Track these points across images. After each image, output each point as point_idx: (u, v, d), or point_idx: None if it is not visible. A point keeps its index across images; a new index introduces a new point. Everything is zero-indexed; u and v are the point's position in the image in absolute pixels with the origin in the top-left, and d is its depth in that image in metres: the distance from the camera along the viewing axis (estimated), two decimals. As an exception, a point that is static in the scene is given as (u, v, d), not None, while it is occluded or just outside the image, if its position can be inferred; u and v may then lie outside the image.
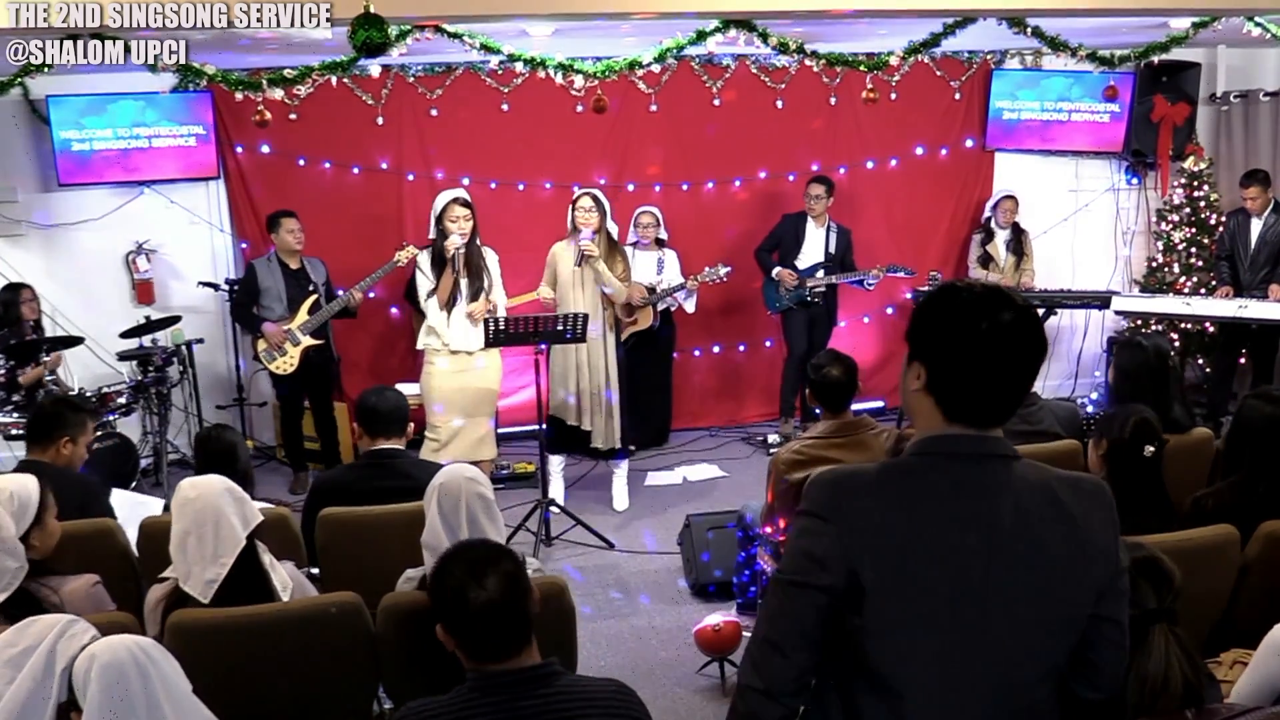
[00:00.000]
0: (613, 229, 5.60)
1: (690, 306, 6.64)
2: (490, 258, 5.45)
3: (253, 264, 6.23)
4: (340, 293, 6.12)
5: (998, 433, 1.61)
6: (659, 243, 6.63)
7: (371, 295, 6.11)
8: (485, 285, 5.34)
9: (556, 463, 5.83)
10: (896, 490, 1.58)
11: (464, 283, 5.30)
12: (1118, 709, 1.79)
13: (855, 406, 3.78)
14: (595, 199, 5.47)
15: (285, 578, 2.71)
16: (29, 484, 2.71)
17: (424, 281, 5.36)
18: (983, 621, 1.55)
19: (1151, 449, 2.92)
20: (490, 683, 1.97)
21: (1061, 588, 1.57)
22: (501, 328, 5.18)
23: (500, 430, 6.72)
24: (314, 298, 6.12)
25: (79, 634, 1.89)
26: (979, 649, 1.55)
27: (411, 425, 3.73)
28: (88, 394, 5.81)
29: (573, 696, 1.96)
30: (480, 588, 1.97)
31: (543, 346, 5.34)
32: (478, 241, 5.38)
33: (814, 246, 6.76)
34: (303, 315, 6.08)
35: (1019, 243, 7.20)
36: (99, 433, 5.63)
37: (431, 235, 5.35)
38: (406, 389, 5.46)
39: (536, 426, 5.43)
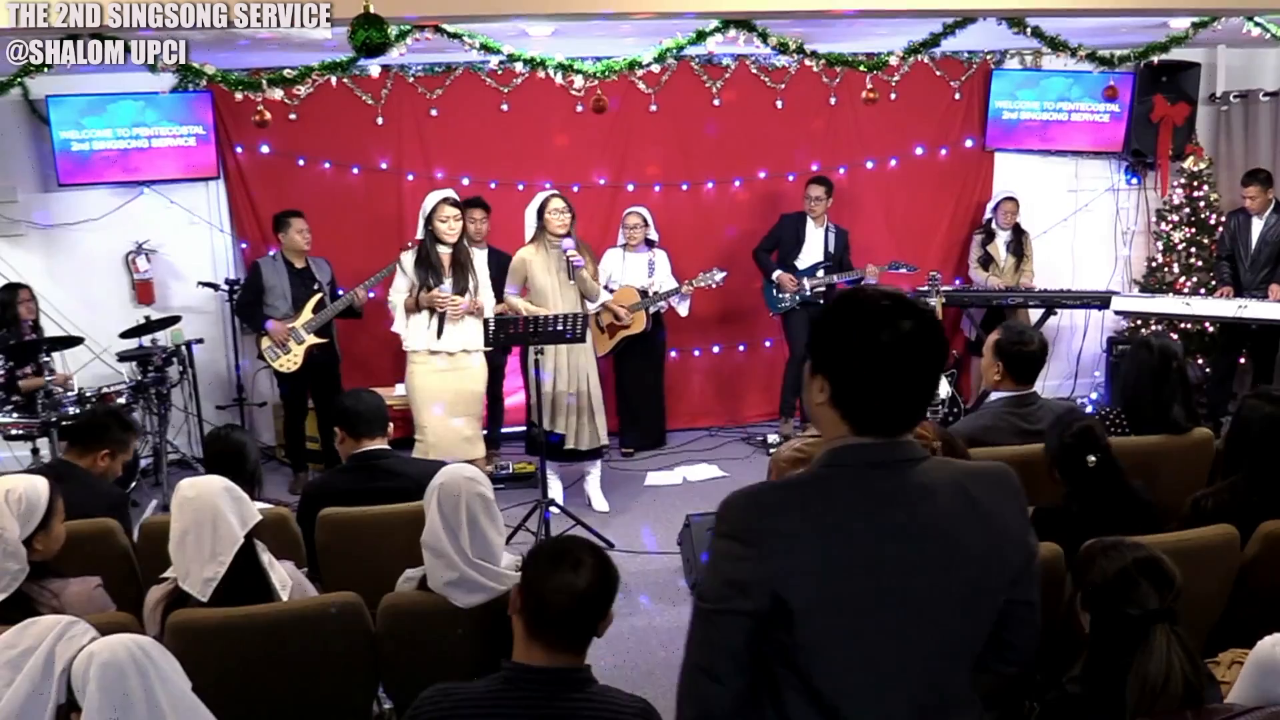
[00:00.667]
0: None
1: (684, 310, 6.62)
2: (477, 259, 5.45)
3: (258, 262, 6.24)
4: (342, 292, 6.13)
5: (907, 437, 1.61)
6: (649, 243, 6.62)
7: (371, 295, 6.11)
8: (471, 285, 5.34)
9: (553, 464, 5.83)
10: (813, 506, 1.58)
11: (449, 281, 5.30)
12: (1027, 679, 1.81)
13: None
14: (566, 201, 5.46)
15: (284, 576, 2.72)
16: (39, 486, 2.69)
17: (402, 280, 5.34)
18: (908, 626, 1.56)
19: (1093, 459, 2.91)
20: (524, 677, 1.98)
21: (982, 581, 1.60)
22: (502, 328, 5.18)
23: (501, 430, 6.74)
24: (318, 296, 6.12)
25: (78, 635, 1.89)
26: (907, 652, 1.57)
27: (391, 425, 3.72)
28: (88, 394, 5.80)
29: (602, 706, 1.97)
30: (576, 573, 2.00)
31: (543, 347, 5.34)
32: (465, 241, 5.38)
33: (814, 246, 6.76)
34: (306, 314, 6.08)
35: (1019, 243, 7.20)
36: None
37: (420, 235, 5.33)
38: (402, 389, 5.47)
39: (529, 428, 5.42)
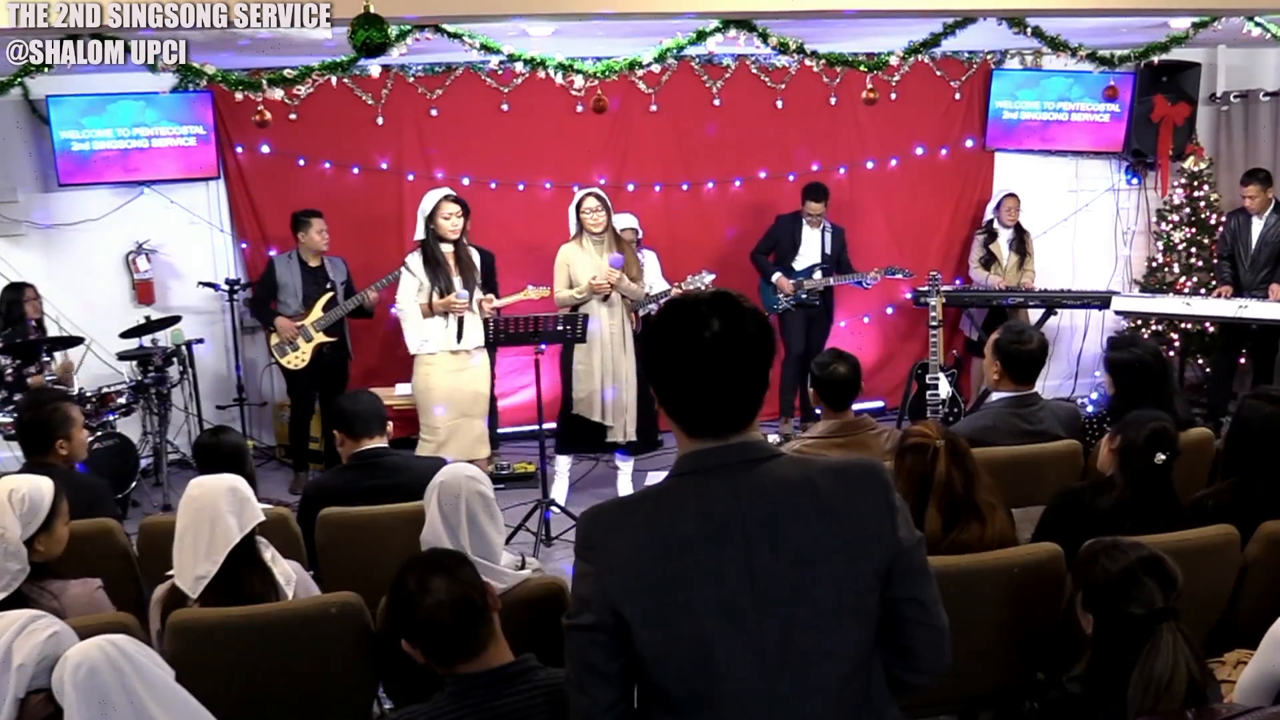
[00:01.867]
0: (616, 223, 5.62)
1: None
2: (477, 258, 5.45)
3: (273, 260, 6.27)
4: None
5: (744, 437, 1.60)
6: (637, 243, 6.62)
7: (378, 296, 6.13)
8: (477, 284, 5.34)
9: (564, 463, 5.84)
10: (646, 518, 1.59)
11: (458, 280, 5.30)
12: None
13: (855, 406, 3.78)
14: (599, 198, 5.49)
15: (288, 571, 2.73)
16: (44, 487, 2.69)
17: (411, 282, 5.34)
18: (763, 628, 1.55)
19: (1163, 457, 2.91)
20: (466, 685, 1.98)
21: (834, 580, 1.56)
22: (502, 328, 5.18)
23: (500, 430, 6.73)
24: (329, 295, 6.14)
25: (38, 630, 1.90)
26: (769, 655, 1.55)
27: (391, 425, 3.72)
28: (88, 394, 5.80)
29: (551, 690, 1.98)
30: (426, 591, 1.99)
31: (543, 347, 5.34)
32: (465, 240, 5.38)
33: (810, 248, 6.76)
34: (316, 312, 6.10)
35: (1022, 242, 7.19)
36: (99, 433, 5.64)
37: (420, 236, 5.33)
38: (404, 389, 5.46)
39: (536, 426, 5.42)
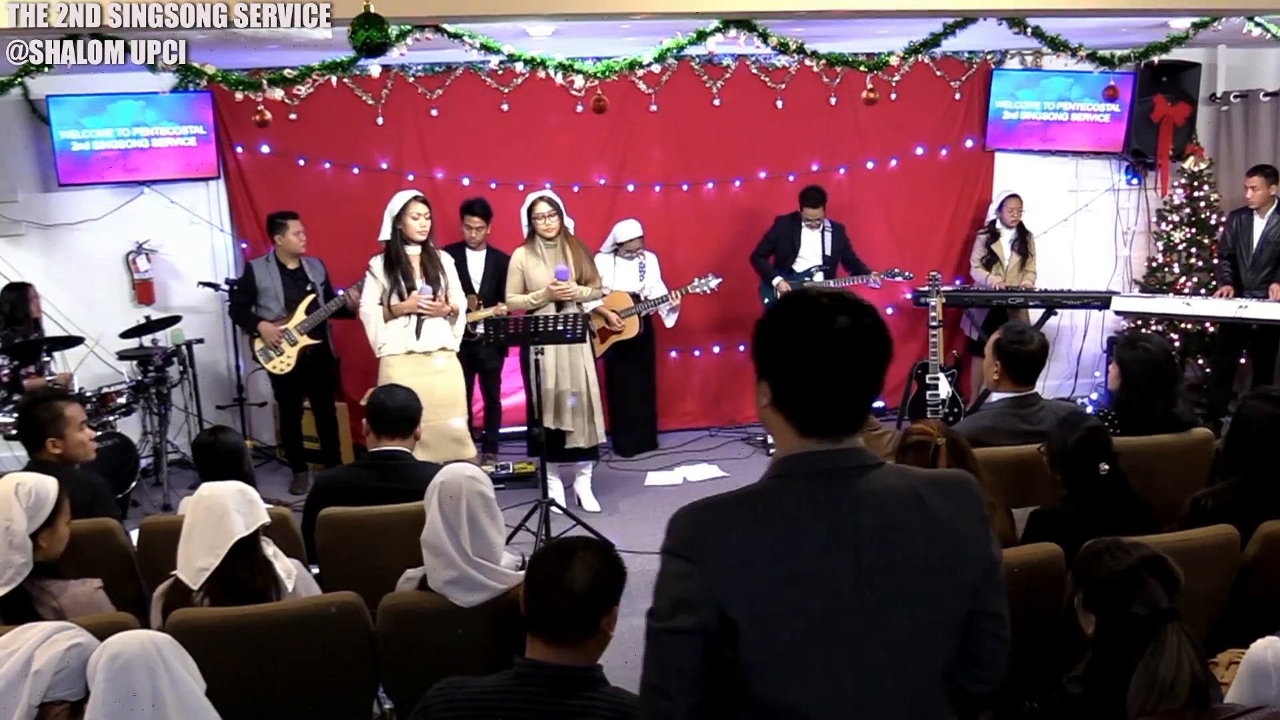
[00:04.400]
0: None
1: (670, 321, 6.58)
2: (445, 260, 5.44)
3: (251, 264, 6.24)
4: (339, 292, 6.13)
5: (855, 441, 1.59)
6: (640, 248, 6.61)
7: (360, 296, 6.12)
8: (443, 284, 5.34)
9: (587, 466, 5.86)
10: (757, 519, 1.55)
11: (420, 282, 5.28)
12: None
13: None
14: (551, 202, 5.50)
15: (289, 566, 2.75)
16: (49, 485, 2.74)
17: (373, 284, 5.32)
18: (862, 638, 1.53)
19: (1106, 467, 2.90)
20: (534, 674, 1.99)
21: (936, 592, 1.56)
22: (501, 328, 5.17)
23: (500, 430, 6.74)
24: (311, 298, 6.12)
25: (60, 640, 1.93)
26: (864, 665, 1.53)
27: (420, 429, 3.71)
28: (88, 394, 5.80)
29: (611, 706, 1.97)
30: (572, 567, 2.02)
31: (543, 347, 5.33)
32: (432, 242, 5.38)
33: (810, 249, 6.76)
34: (299, 315, 6.08)
35: (1024, 242, 7.19)
36: (99, 433, 5.63)
37: (386, 236, 5.29)
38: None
39: (530, 428, 5.42)
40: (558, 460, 5.72)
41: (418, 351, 5.32)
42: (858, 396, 1.56)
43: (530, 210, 5.52)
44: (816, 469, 1.56)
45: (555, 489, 5.74)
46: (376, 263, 5.32)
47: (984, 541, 1.61)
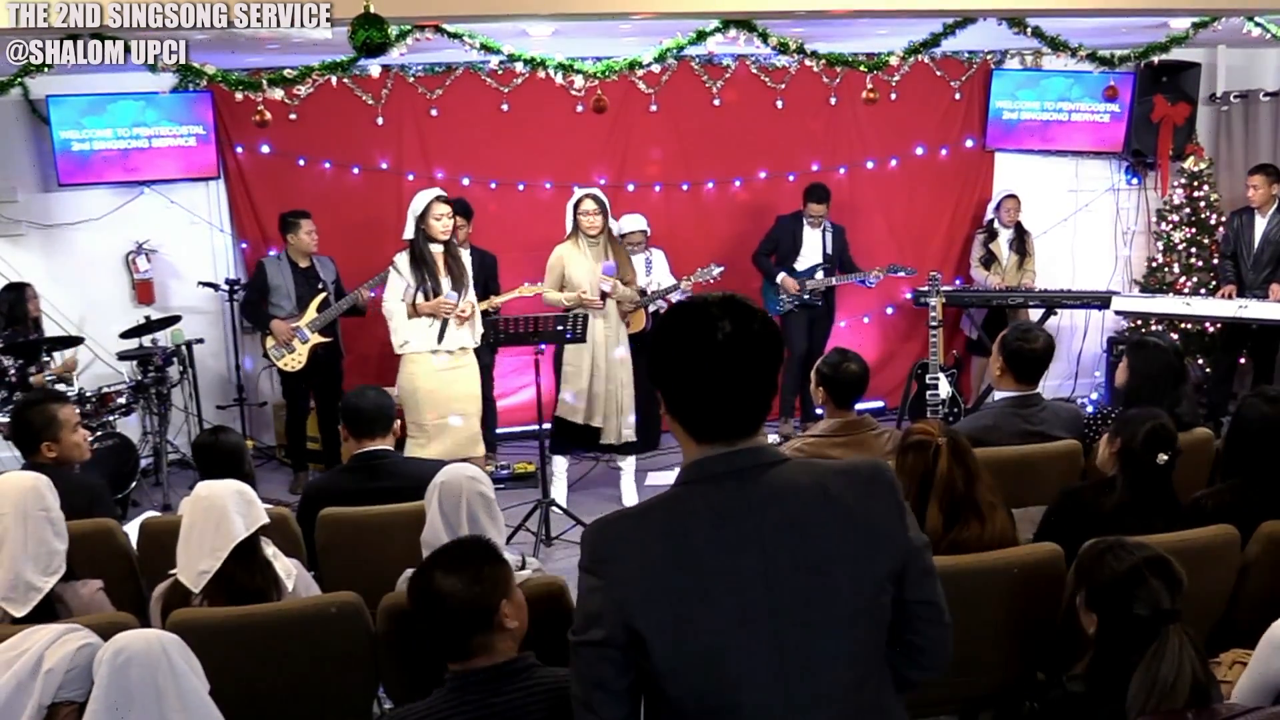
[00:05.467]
0: (614, 226, 5.61)
1: None
2: (469, 261, 5.45)
3: (263, 262, 6.26)
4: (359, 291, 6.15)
5: (754, 441, 1.58)
6: (645, 243, 6.61)
7: (372, 294, 6.12)
8: (466, 284, 5.34)
9: (561, 464, 5.83)
10: (659, 530, 1.55)
11: (446, 281, 5.29)
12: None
13: (855, 406, 3.78)
14: (598, 200, 5.49)
15: (288, 567, 2.75)
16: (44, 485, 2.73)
17: (397, 282, 5.32)
18: (781, 637, 1.52)
19: (1165, 457, 2.91)
20: (465, 682, 1.99)
21: (850, 584, 1.54)
22: (501, 328, 5.17)
23: (500, 430, 6.74)
24: (322, 296, 6.13)
25: (71, 640, 1.93)
26: (789, 664, 1.52)
27: (398, 424, 3.70)
28: (88, 394, 5.80)
29: (548, 689, 1.98)
30: (436, 584, 2.01)
31: (542, 347, 5.34)
32: (455, 241, 5.38)
33: (811, 248, 6.76)
34: (311, 313, 6.10)
35: (1022, 242, 7.20)
36: (99, 433, 5.64)
37: (409, 235, 5.31)
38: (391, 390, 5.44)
39: (536, 426, 5.42)
40: (592, 450, 5.80)
41: (440, 350, 5.33)
42: (748, 401, 1.55)
43: (576, 206, 5.54)
44: (712, 473, 1.56)
45: (559, 489, 5.76)
46: (402, 259, 5.32)
47: (898, 529, 1.59)
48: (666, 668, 1.51)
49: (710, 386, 1.53)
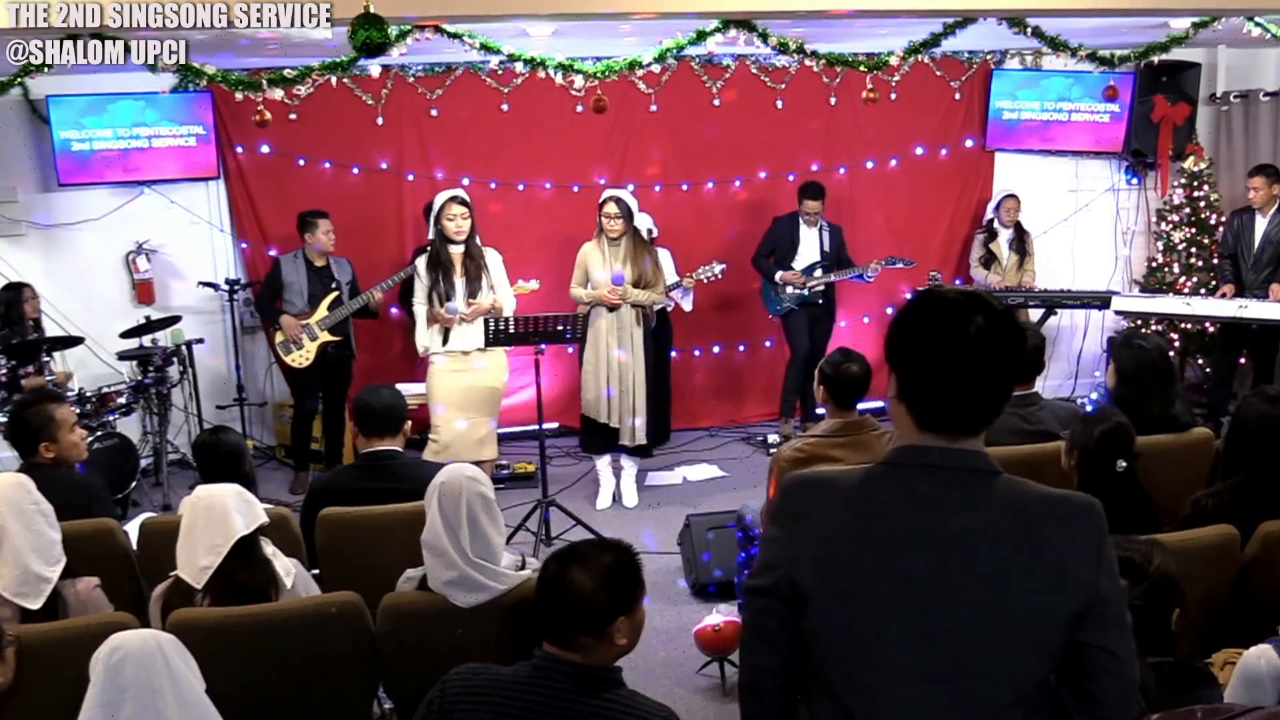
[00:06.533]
0: (641, 224, 5.63)
1: (688, 305, 6.63)
2: (492, 258, 5.46)
3: (279, 259, 6.28)
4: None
5: (975, 444, 1.58)
6: (652, 242, 6.62)
7: (382, 297, 6.15)
8: (485, 284, 5.35)
9: (602, 464, 5.89)
10: (854, 501, 1.57)
11: (460, 282, 5.30)
12: None
13: (858, 406, 3.79)
14: (621, 203, 5.52)
15: (288, 565, 2.77)
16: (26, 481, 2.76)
17: (420, 287, 5.36)
18: (931, 642, 1.52)
19: (1124, 464, 2.91)
20: (554, 669, 1.97)
21: (1024, 612, 1.52)
22: (501, 327, 5.18)
23: (500, 430, 6.73)
24: (334, 294, 6.15)
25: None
26: (937, 669, 1.52)
27: (409, 425, 3.70)
28: (88, 394, 5.80)
29: (627, 710, 1.95)
30: (569, 572, 2.00)
31: (543, 346, 5.34)
32: (477, 240, 5.39)
33: (809, 247, 6.76)
34: (322, 311, 6.12)
35: (1022, 242, 7.20)
36: (99, 433, 5.64)
37: (430, 236, 5.35)
38: (407, 389, 5.48)
39: (536, 426, 5.42)
40: (614, 451, 5.84)
41: (457, 352, 5.34)
42: (981, 398, 1.56)
43: (600, 207, 5.57)
44: (923, 461, 1.57)
45: (625, 489, 5.84)
46: (421, 261, 5.36)
47: (1089, 572, 1.53)
48: (824, 633, 1.56)
49: (953, 378, 1.54)
